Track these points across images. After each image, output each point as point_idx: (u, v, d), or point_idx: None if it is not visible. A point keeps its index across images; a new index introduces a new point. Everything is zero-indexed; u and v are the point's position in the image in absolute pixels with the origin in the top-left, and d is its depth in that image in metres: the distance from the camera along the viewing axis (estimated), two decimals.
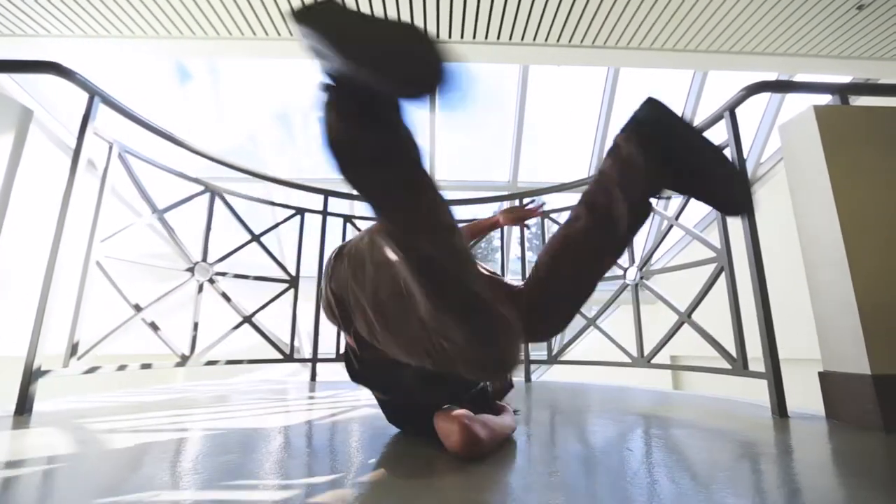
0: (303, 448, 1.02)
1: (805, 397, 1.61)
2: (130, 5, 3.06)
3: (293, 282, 2.40)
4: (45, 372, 1.40)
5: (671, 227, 2.04)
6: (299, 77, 5.42)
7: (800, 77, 4.14)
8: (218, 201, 2.24)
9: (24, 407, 1.32)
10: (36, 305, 1.38)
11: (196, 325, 2.04)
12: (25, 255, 1.53)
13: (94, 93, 1.55)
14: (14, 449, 0.96)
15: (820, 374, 1.41)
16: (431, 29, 3.32)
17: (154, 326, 1.85)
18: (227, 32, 3.35)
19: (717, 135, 1.73)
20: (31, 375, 1.34)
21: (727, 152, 1.67)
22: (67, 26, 3.29)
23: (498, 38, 3.43)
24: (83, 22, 3.24)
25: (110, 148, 1.70)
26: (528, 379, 2.43)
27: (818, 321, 1.43)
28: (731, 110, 1.64)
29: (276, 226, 2.49)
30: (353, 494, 0.68)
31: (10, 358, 1.67)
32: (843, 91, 1.56)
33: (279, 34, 3.37)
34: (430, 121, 4.33)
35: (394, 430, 1.17)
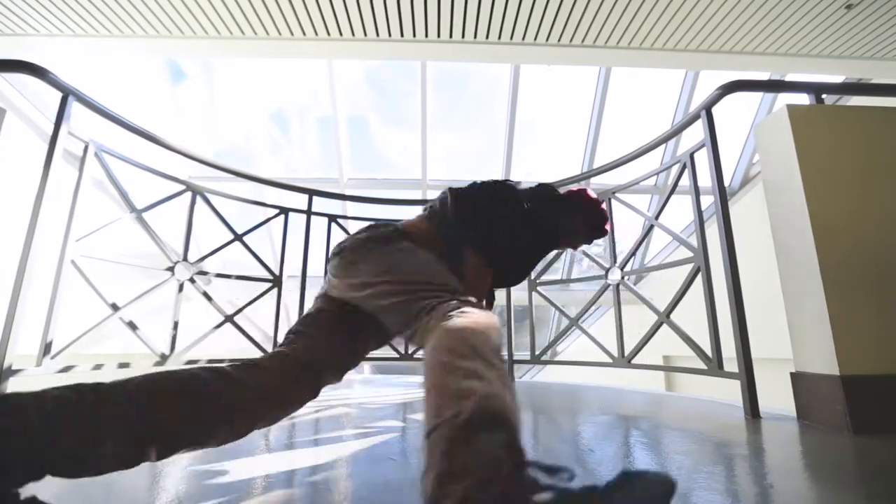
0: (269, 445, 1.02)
1: (786, 398, 1.60)
2: (120, 6, 3.06)
3: (276, 281, 2.40)
4: (17, 371, 1.40)
5: (651, 226, 2.04)
6: (294, 77, 5.41)
7: (791, 77, 4.14)
8: (201, 201, 2.24)
9: None
10: (7, 304, 1.38)
11: (176, 325, 2.04)
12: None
13: (68, 92, 1.55)
14: None
15: (792, 374, 1.40)
16: (420, 28, 3.31)
17: (132, 325, 1.85)
18: (216, 32, 3.35)
19: (695, 134, 1.72)
20: (0, 374, 1.34)
21: (703, 152, 1.67)
22: (57, 26, 3.29)
23: (487, 37, 3.42)
24: (72, 21, 3.24)
25: (86, 147, 1.70)
26: (510, 379, 2.43)
27: (790, 322, 1.43)
28: (707, 109, 1.63)
29: (259, 225, 2.49)
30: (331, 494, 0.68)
31: None
32: (818, 90, 1.55)
33: (267, 34, 3.37)
34: (422, 120, 4.32)
35: (380, 432, 1.16)
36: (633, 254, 2.12)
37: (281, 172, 5.57)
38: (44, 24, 3.28)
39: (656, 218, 2.00)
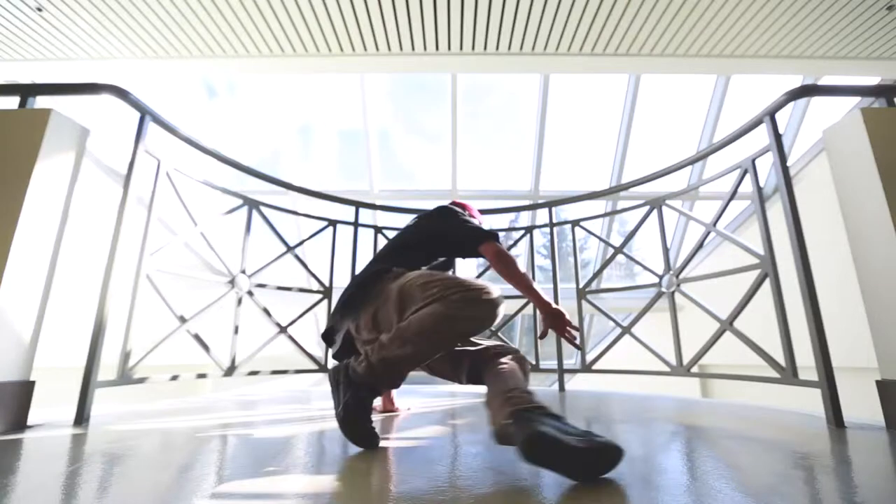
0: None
1: (852, 408, 1.55)
2: (168, 29, 3.19)
3: (327, 292, 2.43)
4: (102, 382, 1.44)
5: (708, 233, 2.02)
6: (315, 92, 5.52)
7: (825, 80, 4.08)
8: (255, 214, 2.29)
9: (82, 416, 1.36)
10: (92, 319, 1.42)
11: (236, 337, 2.07)
12: (76, 269, 1.59)
13: (145, 112, 1.62)
14: (77, 456, 0.99)
15: (878, 382, 1.37)
16: (455, 42, 3.37)
17: (198, 338, 1.89)
18: (256, 51, 3.46)
19: (759, 139, 1.71)
20: (88, 385, 1.38)
21: (768, 157, 1.66)
22: (107, 49, 3.43)
23: (521, 48, 3.46)
24: (122, 45, 3.37)
25: (158, 164, 1.76)
26: (561, 388, 2.41)
27: (874, 328, 1.40)
28: (771, 115, 1.62)
29: (312, 237, 2.53)
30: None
31: (59, 369, 1.72)
32: (889, 93, 1.54)
33: (306, 51, 3.47)
34: (452, 131, 4.36)
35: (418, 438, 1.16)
36: (688, 261, 2.10)
37: (306, 185, 5.64)
38: (94, 48, 3.43)
39: (714, 225, 1.98)
